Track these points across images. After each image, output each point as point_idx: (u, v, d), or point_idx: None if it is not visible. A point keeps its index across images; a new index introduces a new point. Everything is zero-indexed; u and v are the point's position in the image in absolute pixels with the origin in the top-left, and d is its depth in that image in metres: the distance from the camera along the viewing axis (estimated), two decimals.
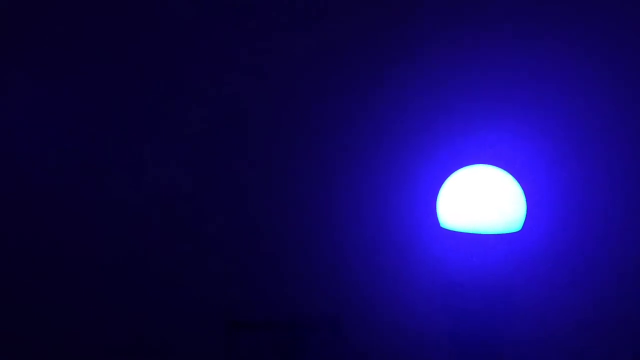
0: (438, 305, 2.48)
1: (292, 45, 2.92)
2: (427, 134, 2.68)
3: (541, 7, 2.68)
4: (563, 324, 2.57)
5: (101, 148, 3.00)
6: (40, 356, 2.98)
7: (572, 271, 2.57)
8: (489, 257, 2.30)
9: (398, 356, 2.74)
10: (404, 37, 2.77)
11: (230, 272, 2.98)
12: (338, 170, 2.76)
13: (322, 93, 2.85)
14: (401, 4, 2.74)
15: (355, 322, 2.77)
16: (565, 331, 2.59)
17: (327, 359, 2.81)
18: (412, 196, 2.65)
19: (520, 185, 2.35)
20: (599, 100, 2.62)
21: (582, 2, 2.70)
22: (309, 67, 2.87)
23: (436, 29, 2.75)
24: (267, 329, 2.88)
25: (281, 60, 2.92)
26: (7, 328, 2.98)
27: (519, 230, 2.29)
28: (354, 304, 2.77)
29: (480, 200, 2.26)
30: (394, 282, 2.69)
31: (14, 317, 3.00)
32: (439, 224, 2.36)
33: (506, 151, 2.59)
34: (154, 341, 2.94)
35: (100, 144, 2.99)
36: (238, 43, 2.97)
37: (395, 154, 2.71)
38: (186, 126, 3.01)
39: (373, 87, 2.78)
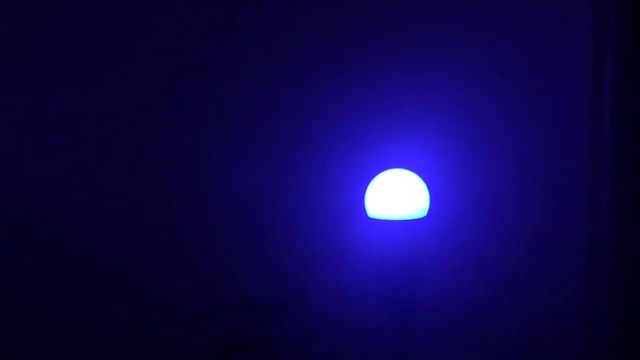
0: (367, 275, 2.70)
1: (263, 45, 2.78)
2: (360, 147, 2.71)
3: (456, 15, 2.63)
4: (458, 285, 2.64)
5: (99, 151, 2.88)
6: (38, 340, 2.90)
7: (467, 247, 2.63)
8: (403, 236, 2.52)
9: (340, 323, 2.78)
10: (344, 53, 2.74)
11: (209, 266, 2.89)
12: (291, 171, 2.80)
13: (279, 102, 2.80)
14: (331, 18, 2.73)
15: (310, 297, 2.81)
16: (460, 289, 2.65)
17: (292, 334, 2.81)
18: (347, 194, 2.72)
19: (425, 182, 2.54)
20: (489, 105, 2.62)
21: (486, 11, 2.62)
22: (274, 66, 2.80)
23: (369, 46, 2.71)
24: (243, 311, 2.83)
25: (254, 59, 2.80)
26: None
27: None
28: (301, 282, 2.80)
29: (397, 195, 2.48)
30: (332, 260, 2.77)
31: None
32: (366, 213, 2.55)
33: (415, 158, 2.64)
34: (142, 327, 2.87)
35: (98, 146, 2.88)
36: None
37: (335, 162, 2.76)
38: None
39: (325, 103, 2.76)
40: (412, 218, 2.47)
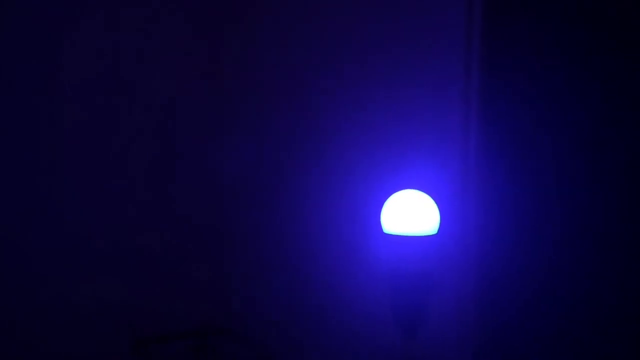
0: (382, 287, 2.76)
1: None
2: (377, 171, 2.78)
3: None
4: (467, 299, 2.64)
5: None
6: None
7: (476, 261, 2.63)
8: (416, 252, 2.58)
9: (353, 333, 2.80)
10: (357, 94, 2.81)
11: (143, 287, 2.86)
12: (312, 194, 2.91)
13: (297, 131, 2.92)
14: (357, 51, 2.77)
15: (323, 312, 2.84)
16: (466, 302, 2.64)
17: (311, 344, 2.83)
18: (365, 211, 2.80)
19: (435, 201, 2.60)
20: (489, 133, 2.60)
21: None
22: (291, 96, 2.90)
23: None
24: (178, 339, 2.69)
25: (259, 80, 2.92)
26: None
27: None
28: (318, 296, 2.86)
29: (409, 212, 2.55)
30: (348, 274, 2.86)
31: None
32: (382, 229, 2.61)
33: (425, 178, 2.68)
34: None
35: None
36: None
37: (355, 184, 2.83)
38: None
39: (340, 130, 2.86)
40: (424, 234, 2.57)
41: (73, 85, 2.92)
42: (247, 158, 3.07)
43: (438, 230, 2.61)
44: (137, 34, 3.00)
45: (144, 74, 3.00)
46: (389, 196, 2.61)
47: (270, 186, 3.03)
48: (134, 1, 3.00)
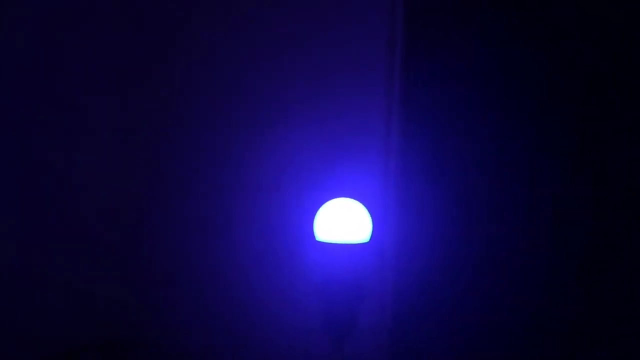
0: (312, 293, 2.72)
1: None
2: (313, 179, 2.81)
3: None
4: (398, 306, 2.69)
5: None
6: None
7: (406, 269, 2.69)
8: (348, 259, 2.61)
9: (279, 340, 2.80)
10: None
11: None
12: (243, 203, 2.88)
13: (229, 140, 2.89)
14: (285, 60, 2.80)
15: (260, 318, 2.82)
16: (398, 310, 2.69)
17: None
18: (298, 220, 2.81)
19: (368, 209, 2.64)
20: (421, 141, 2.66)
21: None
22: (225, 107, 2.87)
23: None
24: (83, 353, 2.59)
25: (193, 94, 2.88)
26: None
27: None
28: (254, 304, 2.83)
29: (342, 220, 2.58)
30: (277, 282, 2.84)
31: None
32: (315, 237, 2.62)
33: (358, 187, 2.74)
34: None
35: None
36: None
37: (288, 195, 2.85)
38: None
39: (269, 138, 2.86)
40: (356, 242, 2.59)
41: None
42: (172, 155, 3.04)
43: (370, 239, 2.64)
44: None
45: None
46: (322, 204, 2.66)
47: (193, 188, 2.99)
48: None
